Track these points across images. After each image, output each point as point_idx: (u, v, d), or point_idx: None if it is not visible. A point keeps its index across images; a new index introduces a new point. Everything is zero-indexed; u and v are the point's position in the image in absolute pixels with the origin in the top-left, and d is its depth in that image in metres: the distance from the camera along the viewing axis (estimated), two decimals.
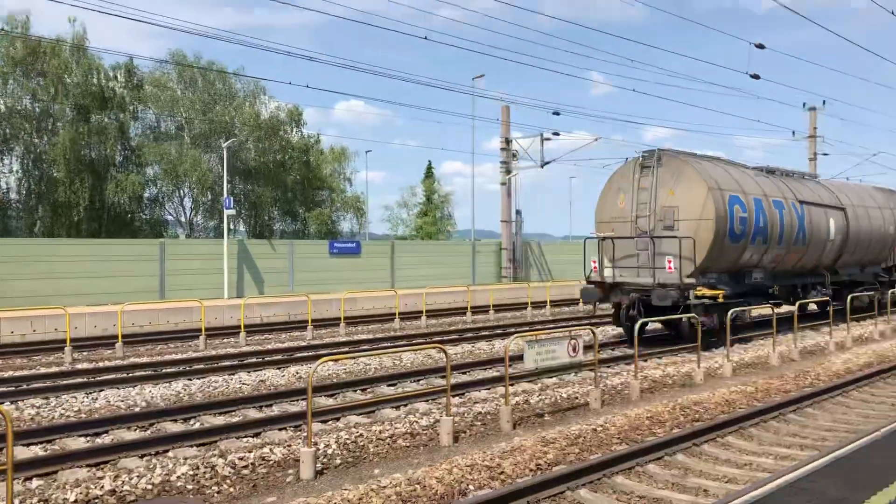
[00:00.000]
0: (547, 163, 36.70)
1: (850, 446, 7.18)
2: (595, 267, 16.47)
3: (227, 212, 29.92)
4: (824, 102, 41.67)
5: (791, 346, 17.18)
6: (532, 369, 10.54)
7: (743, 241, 16.53)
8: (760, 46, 21.44)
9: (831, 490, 5.50)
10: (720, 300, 15.86)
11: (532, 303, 28.29)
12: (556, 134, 33.34)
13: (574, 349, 10.81)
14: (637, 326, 11.87)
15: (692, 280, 15.40)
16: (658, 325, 18.55)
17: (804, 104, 42.39)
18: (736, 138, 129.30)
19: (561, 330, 17.73)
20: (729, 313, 14.39)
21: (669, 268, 15.28)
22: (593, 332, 11.45)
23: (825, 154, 43.15)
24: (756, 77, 23.59)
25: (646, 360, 15.52)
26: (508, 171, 37.56)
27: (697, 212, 15.45)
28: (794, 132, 42.60)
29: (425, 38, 20.33)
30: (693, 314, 14.32)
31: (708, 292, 15.54)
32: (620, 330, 18.71)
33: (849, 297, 20.20)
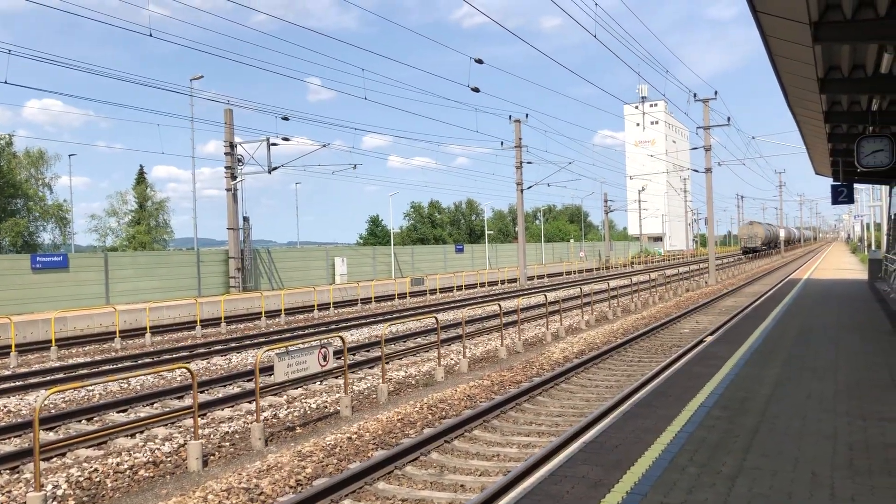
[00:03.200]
0: (275, 168, 36.02)
1: (593, 431, 7.84)
2: (742, 245, 78.17)
3: None
4: (527, 115, 45.57)
5: (515, 339, 18.56)
6: (283, 381, 10.21)
7: (768, 236, 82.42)
8: (479, 61, 22.96)
9: (589, 474, 5.95)
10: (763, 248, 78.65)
11: (266, 312, 27.57)
12: (287, 139, 32.80)
13: (325, 358, 10.65)
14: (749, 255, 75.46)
15: (763, 245, 78.58)
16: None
17: (510, 117, 46.06)
18: (450, 147, 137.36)
19: (307, 339, 17.47)
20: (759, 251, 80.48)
21: (759, 244, 78.11)
22: (342, 340, 11.38)
23: (529, 162, 47.22)
24: (476, 90, 25.23)
25: (389, 363, 15.81)
26: (234, 177, 36.26)
27: (760, 233, 78.75)
28: (502, 142, 46.29)
29: (150, 34, 18.83)
30: (760, 252, 78.30)
31: (763, 248, 77.89)
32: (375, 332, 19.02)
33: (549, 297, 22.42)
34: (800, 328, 15.51)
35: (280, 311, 28.03)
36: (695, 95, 38.02)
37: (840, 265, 49.51)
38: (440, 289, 40.40)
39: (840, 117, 15.96)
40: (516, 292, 38.60)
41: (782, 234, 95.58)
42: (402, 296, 36.47)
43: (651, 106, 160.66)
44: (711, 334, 18.37)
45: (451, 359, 16.62)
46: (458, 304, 31.80)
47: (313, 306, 30.18)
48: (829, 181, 29.53)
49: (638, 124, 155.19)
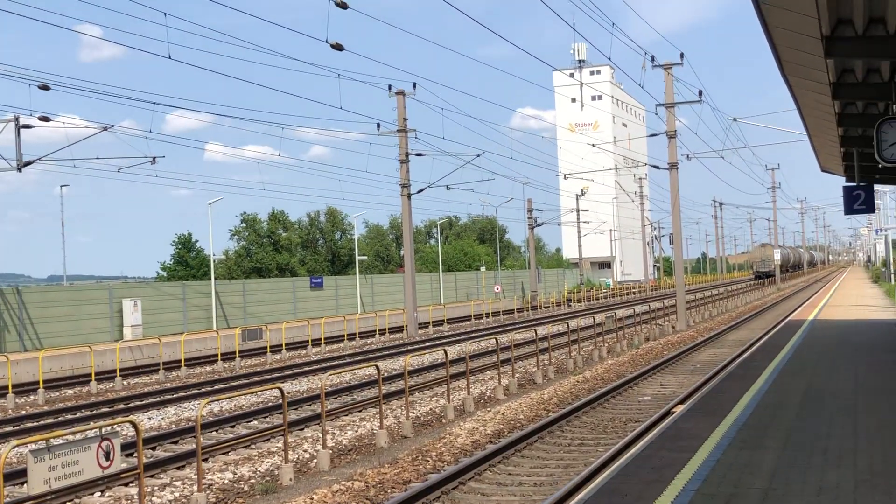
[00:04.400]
0: (28, 163, 34.95)
1: None
2: (754, 269, 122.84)
3: None
4: (415, 86, 45.91)
5: (402, 418, 18.59)
6: (42, 494, 9.82)
7: (783, 258, 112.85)
8: (342, 5, 22.85)
9: None
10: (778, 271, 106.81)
11: (15, 387, 26.61)
12: (47, 119, 31.81)
13: (108, 455, 10.32)
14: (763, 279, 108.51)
15: (773, 270, 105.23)
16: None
17: (390, 87, 46.27)
18: (301, 131, 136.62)
19: (80, 427, 16.92)
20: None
21: (771, 268, 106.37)
22: (136, 427, 11.08)
23: (419, 154, 47.56)
24: (339, 48, 25.13)
25: (208, 460, 15.48)
26: None
27: (775, 255, 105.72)
28: (379, 125, 46.35)
29: None
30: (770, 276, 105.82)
31: (778, 272, 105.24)
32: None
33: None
34: (804, 392, 16.18)
35: (37, 383, 27.08)
36: (653, 59, 39.34)
37: (858, 299, 52.17)
38: (287, 344, 40.02)
39: (853, 91, 16.83)
40: (402, 347, 38.60)
41: (777, 256, 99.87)
42: (229, 356, 35.90)
43: (592, 73, 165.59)
44: (682, 402, 18.92)
45: (305, 450, 16.41)
46: (314, 367, 31.51)
47: (90, 375, 29.31)
48: (841, 181, 31.10)
49: (574, 100, 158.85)
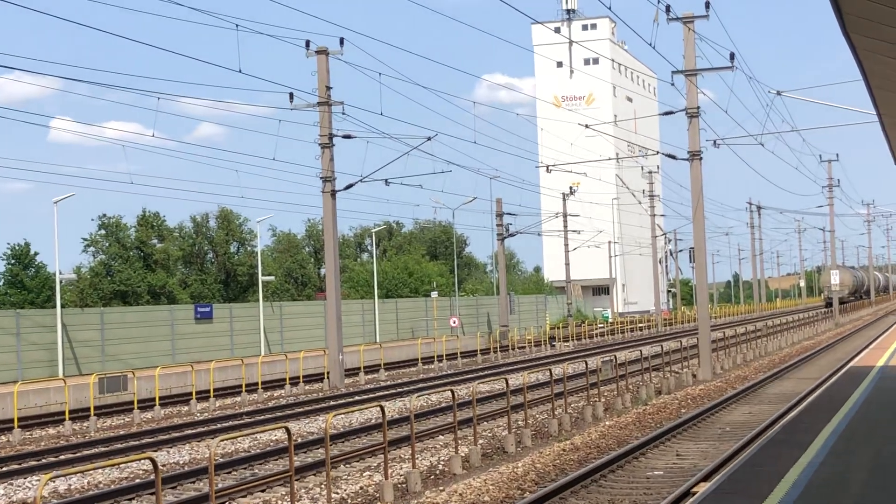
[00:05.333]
0: None
1: None
2: (825, 294, 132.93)
3: None
4: (343, 42, 45.53)
5: (321, 500, 18.41)
6: None
7: (855, 283, 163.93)
8: None
9: None
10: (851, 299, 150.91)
11: None
12: None
13: None
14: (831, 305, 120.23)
15: (850, 295, 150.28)
16: None
17: (308, 43, 45.91)
18: (184, 102, 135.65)
19: None
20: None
21: (846, 294, 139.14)
22: None
23: (348, 136, 47.02)
24: None
25: None
26: None
27: (847, 280, 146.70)
28: (292, 95, 45.95)
29: None
30: (847, 303, 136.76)
31: (851, 298, 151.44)
32: None
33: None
34: (873, 466, 16.22)
35: None
36: (668, 9, 39.22)
37: None
38: (163, 398, 39.66)
39: None
40: (323, 402, 38.36)
41: (835, 279, 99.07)
42: (81, 414, 35.52)
43: (585, 28, 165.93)
44: (706, 479, 18.88)
45: None
46: (200, 429, 31.24)
47: None
48: None
49: (560, 64, 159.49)
